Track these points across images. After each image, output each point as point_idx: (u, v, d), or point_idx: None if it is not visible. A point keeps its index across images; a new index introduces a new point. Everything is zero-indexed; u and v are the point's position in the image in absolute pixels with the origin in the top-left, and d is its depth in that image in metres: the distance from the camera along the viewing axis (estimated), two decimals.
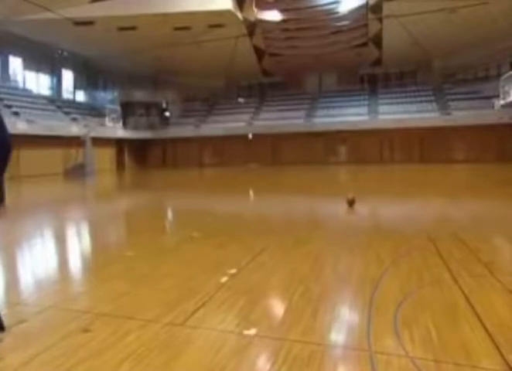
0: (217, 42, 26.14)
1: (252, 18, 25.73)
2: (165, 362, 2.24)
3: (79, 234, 6.72)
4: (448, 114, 27.50)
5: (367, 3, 23.83)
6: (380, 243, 5.08)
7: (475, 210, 8.14)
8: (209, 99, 36.20)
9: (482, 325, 2.62)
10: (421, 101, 29.40)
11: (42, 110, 25.24)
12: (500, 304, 2.96)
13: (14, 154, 21.20)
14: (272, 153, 30.32)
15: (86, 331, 2.64)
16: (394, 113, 28.55)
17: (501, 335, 2.48)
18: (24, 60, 26.59)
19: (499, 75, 21.60)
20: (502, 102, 19.56)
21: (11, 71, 26.08)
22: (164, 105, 35.39)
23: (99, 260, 4.68)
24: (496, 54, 26.56)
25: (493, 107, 22.22)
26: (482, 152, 25.85)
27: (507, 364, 2.17)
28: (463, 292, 3.21)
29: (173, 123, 34.73)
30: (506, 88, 19.00)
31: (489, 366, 2.16)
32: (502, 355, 2.25)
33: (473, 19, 22.41)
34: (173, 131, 33.08)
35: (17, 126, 21.28)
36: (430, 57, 29.96)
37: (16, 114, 22.54)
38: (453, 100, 28.60)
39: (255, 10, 25.50)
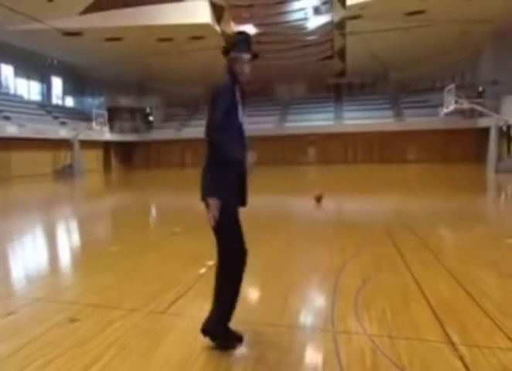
0: (198, 52, 25.83)
1: (229, 31, 25.58)
2: (147, 349, 2.20)
3: (67, 231, 6.52)
4: (403, 120, 28.28)
5: (332, 21, 24.13)
6: (343, 235, 5.17)
7: (425, 204, 8.39)
8: (191, 104, 35.76)
9: (428, 305, 2.71)
10: (379, 108, 30.03)
11: (33, 114, 24.27)
12: (444, 287, 3.07)
13: (5, 155, 20.46)
14: None
15: (73, 320, 2.57)
16: (357, 118, 29.03)
17: (444, 312, 2.59)
18: (15, 68, 25.51)
19: (443, 87, 22.48)
20: (445, 110, 20.39)
21: (2, 78, 24.97)
22: (148, 110, 34.71)
23: (86, 255, 4.55)
24: (441, 69, 27.54)
25: (438, 114, 23.09)
26: (431, 154, 26.73)
27: (447, 335, 2.28)
28: (414, 277, 3.31)
29: (156, 127, 34.13)
30: (449, 98, 19.78)
31: (432, 338, 2.26)
32: (444, 329, 2.35)
33: (422, 38, 23.16)
34: (156, 134, 32.52)
35: (8, 130, 20.40)
36: (387, 70, 30.68)
37: (7, 118, 21.58)
38: (406, 108, 29.40)
39: (232, 24, 25.37)
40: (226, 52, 2.15)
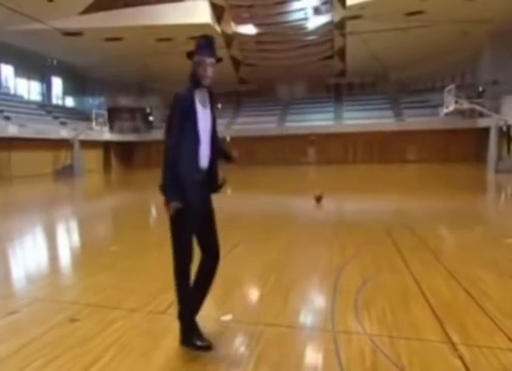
0: None
1: (229, 32, 25.58)
2: (147, 349, 2.20)
3: (67, 231, 6.52)
4: (403, 120, 28.29)
5: (332, 21, 24.13)
6: (343, 235, 5.17)
7: (425, 204, 8.39)
8: None
9: (428, 305, 2.71)
10: (379, 109, 30.04)
11: (33, 114, 24.27)
12: (444, 287, 3.07)
13: (5, 155, 20.47)
14: (248, 154, 30.26)
15: (73, 320, 2.57)
16: (357, 118, 29.05)
17: (444, 312, 2.59)
18: (15, 68, 25.52)
19: (443, 87, 22.53)
20: (445, 110, 20.43)
21: (2, 78, 24.98)
22: (148, 110, 34.74)
23: (86, 255, 4.55)
24: (441, 69, 27.58)
25: (438, 114, 23.13)
26: (431, 154, 26.75)
27: (447, 335, 2.28)
28: (414, 277, 3.31)
29: (156, 127, 34.14)
30: (449, 99, 19.83)
31: (432, 338, 2.26)
32: (444, 329, 2.35)
33: (422, 38, 23.19)
34: (157, 134, 32.43)
35: (8, 130, 20.41)
36: (387, 70, 30.69)
37: (8, 118, 21.59)
38: (406, 108, 29.42)
39: (232, 24, 25.37)
40: (189, 55, 2.18)
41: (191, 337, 2.19)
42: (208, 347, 2.16)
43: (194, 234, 2.24)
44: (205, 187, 2.24)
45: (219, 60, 2.20)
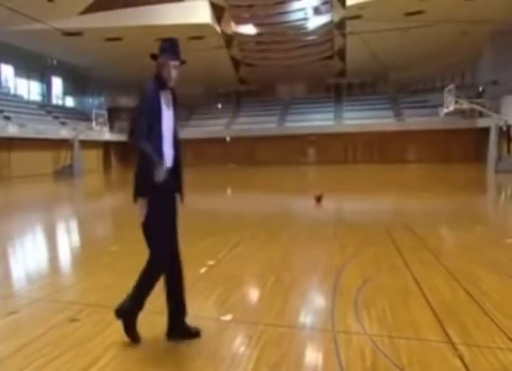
0: (197, 52, 25.82)
1: (229, 32, 25.59)
2: (146, 349, 2.20)
3: (67, 230, 6.52)
4: (403, 120, 28.29)
5: (332, 21, 24.14)
6: (343, 235, 5.17)
7: (424, 204, 8.40)
8: (190, 105, 35.80)
9: (428, 305, 2.71)
10: (379, 109, 30.04)
11: (33, 114, 24.28)
12: (443, 287, 3.07)
13: (5, 155, 20.46)
14: (248, 154, 30.29)
15: (73, 320, 2.57)
16: (357, 118, 29.05)
17: (443, 312, 2.59)
18: (15, 68, 25.53)
19: (443, 87, 22.57)
20: (445, 110, 20.46)
21: (2, 78, 24.98)
22: None
23: (86, 255, 4.55)
24: (441, 69, 27.59)
25: (438, 114, 23.15)
26: (431, 154, 26.74)
27: (447, 335, 2.28)
28: (414, 277, 3.31)
29: None
30: (449, 99, 19.84)
31: (432, 338, 2.26)
32: (443, 329, 2.35)
33: (422, 38, 23.20)
34: None
35: (8, 130, 20.42)
36: (387, 70, 30.69)
37: (8, 118, 21.59)
38: (406, 108, 29.42)
39: (232, 24, 25.38)
40: (154, 57, 2.22)
41: (132, 327, 2.26)
42: (137, 340, 2.24)
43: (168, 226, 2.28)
44: (170, 185, 2.26)
45: (183, 63, 2.25)
